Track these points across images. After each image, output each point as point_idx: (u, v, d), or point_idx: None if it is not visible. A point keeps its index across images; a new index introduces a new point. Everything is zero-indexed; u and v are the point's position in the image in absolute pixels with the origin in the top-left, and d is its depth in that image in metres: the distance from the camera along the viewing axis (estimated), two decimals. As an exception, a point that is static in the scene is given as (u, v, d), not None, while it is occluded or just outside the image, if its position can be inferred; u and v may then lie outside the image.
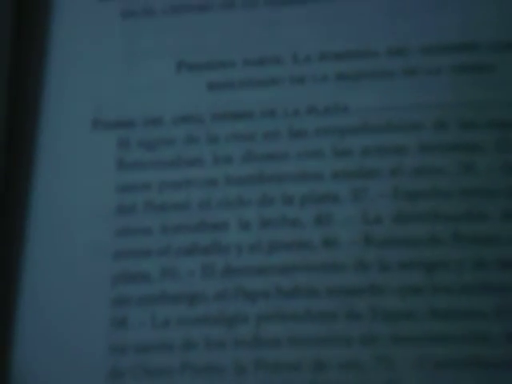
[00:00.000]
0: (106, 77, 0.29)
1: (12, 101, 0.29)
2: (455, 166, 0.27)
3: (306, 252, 0.27)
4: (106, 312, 0.27)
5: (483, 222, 0.26)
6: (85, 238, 0.28)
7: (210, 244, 0.27)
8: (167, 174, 0.28)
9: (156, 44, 0.30)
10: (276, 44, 0.29)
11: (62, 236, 0.28)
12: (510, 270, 0.26)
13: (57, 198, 0.28)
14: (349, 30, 0.29)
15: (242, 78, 0.29)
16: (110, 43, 0.30)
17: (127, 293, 0.27)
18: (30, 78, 0.30)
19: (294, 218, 0.27)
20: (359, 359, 0.26)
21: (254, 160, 0.28)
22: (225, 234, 0.27)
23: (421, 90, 0.28)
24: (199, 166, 0.28)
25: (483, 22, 0.28)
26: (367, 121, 0.28)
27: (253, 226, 0.27)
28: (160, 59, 0.29)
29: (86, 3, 0.31)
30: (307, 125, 0.28)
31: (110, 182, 0.28)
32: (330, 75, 0.28)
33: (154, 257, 0.27)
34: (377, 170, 0.27)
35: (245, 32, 0.29)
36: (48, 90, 0.30)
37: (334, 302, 0.26)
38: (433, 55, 0.28)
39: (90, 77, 0.30)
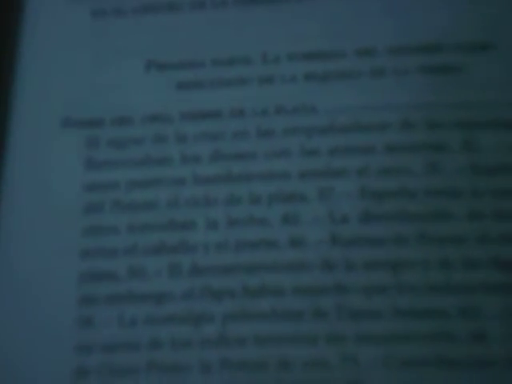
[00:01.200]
0: (76, 76, 0.29)
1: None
2: (422, 166, 0.27)
3: (272, 251, 0.27)
4: (72, 311, 0.27)
5: (449, 222, 0.26)
6: (52, 237, 0.28)
7: (178, 243, 0.27)
8: (135, 173, 0.28)
9: (125, 43, 0.30)
10: (245, 44, 0.29)
11: (29, 234, 0.28)
12: (475, 270, 0.26)
13: (24, 196, 0.28)
14: (317, 31, 0.29)
15: (211, 77, 0.29)
16: (80, 42, 0.30)
17: (94, 292, 0.27)
18: (-1, 77, 0.30)
19: (261, 217, 0.27)
20: (325, 358, 0.26)
21: (222, 159, 0.28)
22: (192, 233, 0.27)
23: (388, 91, 0.28)
24: (167, 166, 0.28)
25: (450, 24, 0.28)
26: (335, 121, 0.28)
27: (220, 225, 0.27)
28: (129, 58, 0.29)
29: (55, 2, 0.30)
30: (275, 125, 0.28)
31: (78, 181, 0.28)
32: (299, 75, 0.28)
33: (121, 256, 0.27)
34: (344, 170, 0.27)
35: (214, 32, 0.29)
36: (17, 89, 0.29)
37: (300, 301, 0.26)
38: (400, 56, 0.28)
39: (59, 76, 0.29)
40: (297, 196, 0.27)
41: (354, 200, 0.27)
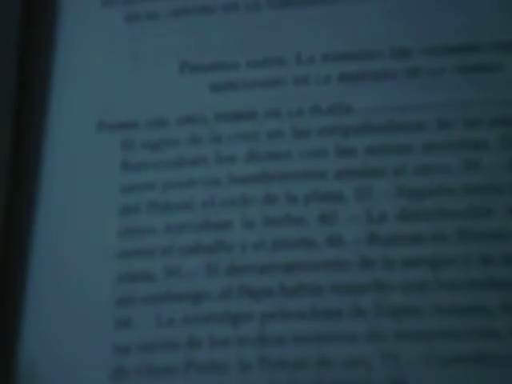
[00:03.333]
0: (111, 79, 0.30)
1: (19, 104, 0.29)
2: (459, 164, 0.27)
3: (310, 250, 0.27)
4: (110, 312, 0.27)
5: (488, 218, 0.26)
6: (89, 239, 0.28)
7: (214, 243, 0.27)
8: (171, 174, 0.28)
9: (159, 46, 0.30)
10: (279, 45, 0.29)
11: (67, 236, 0.28)
12: (515, 266, 0.26)
13: (62, 198, 0.28)
14: (352, 31, 0.29)
15: (246, 78, 0.29)
16: (115, 46, 0.30)
17: (132, 292, 0.27)
18: (35, 82, 0.30)
19: (298, 216, 0.27)
20: (364, 356, 0.25)
21: (257, 159, 0.28)
22: (229, 233, 0.27)
23: (424, 90, 0.28)
24: (203, 166, 0.28)
25: (485, 22, 0.28)
26: (370, 120, 0.28)
27: (257, 224, 0.27)
28: (163, 61, 0.29)
29: (90, 8, 0.31)
30: (311, 124, 0.28)
31: (114, 183, 0.28)
32: (334, 76, 0.28)
33: (158, 256, 0.27)
34: (381, 169, 0.27)
35: (248, 33, 0.29)
36: (54, 94, 0.30)
37: (339, 300, 0.26)
38: (435, 56, 0.28)
39: (94, 80, 0.30)
40: (334, 195, 0.27)
41: (392, 199, 0.27)
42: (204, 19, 0.30)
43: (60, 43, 0.30)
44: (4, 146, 0.29)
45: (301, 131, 0.28)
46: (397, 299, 0.26)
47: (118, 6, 0.31)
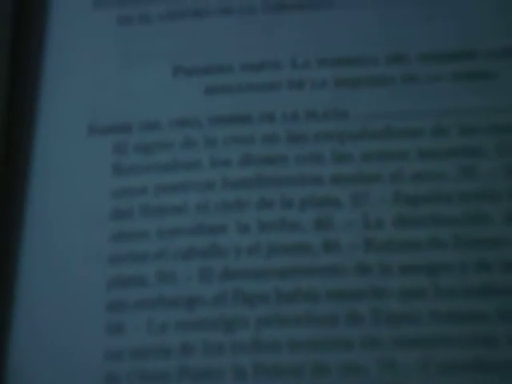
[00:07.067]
0: (103, 82, 0.29)
1: (8, 107, 0.29)
2: (456, 170, 0.27)
3: (305, 255, 0.26)
4: (101, 317, 0.26)
5: (485, 225, 0.26)
6: (80, 243, 0.27)
7: (208, 247, 0.27)
8: (164, 177, 0.28)
9: (152, 49, 0.29)
10: (274, 49, 0.29)
11: (58, 241, 0.27)
12: (513, 273, 0.25)
13: (53, 203, 0.28)
14: (348, 37, 0.29)
15: (240, 82, 0.28)
16: (107, 49, 0.30)
17: (123, 298, 0.26)
18: (26, 85, 0.29)
19: (293, 221, 0.27)
20: (361, 363, 0.25)
21: (252, 163, 0.27)
22: (223, 237, 0.27)
23: (420, 97, 0.28)
24: (196, 170, 0.28)
25: (482, 29, 0.28)
26: (367, 126, 0.28)
27: (251, 229, 0.27)
28: (156, 64, 0.29)
29: (81, 10, 0.30)
30: (306, 129, 0.28)
31: (106, 187, 0.28)
32: (329, 81, 0.28)
33: (150, 261, 0.27)
34: (377, 175, 0.27)
35: (242, 37, 0.29)
36: (44, 96, 0.29)
37: (335, 306, 0.26)
38: (432, 62, 0.28)
39: (86, 83, 0.29)
40: (330, 200, 0.27)
41: (388, 205, 0.27)
42: (198, 22, 0.29)
43: (51, 45, 0.30)
44: (-7, 148, 0.28)
45: (296, 136, 0.28)
46: (394, 306, 0.25)
47: (109, 8, 0.30)
